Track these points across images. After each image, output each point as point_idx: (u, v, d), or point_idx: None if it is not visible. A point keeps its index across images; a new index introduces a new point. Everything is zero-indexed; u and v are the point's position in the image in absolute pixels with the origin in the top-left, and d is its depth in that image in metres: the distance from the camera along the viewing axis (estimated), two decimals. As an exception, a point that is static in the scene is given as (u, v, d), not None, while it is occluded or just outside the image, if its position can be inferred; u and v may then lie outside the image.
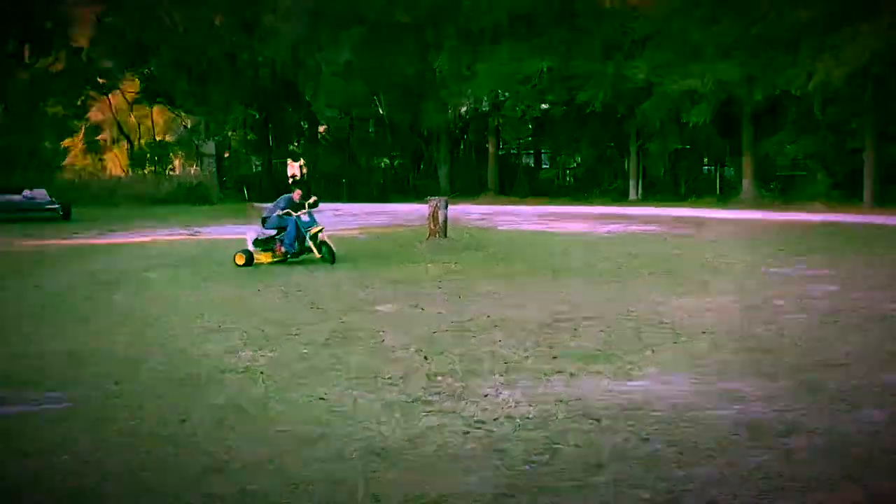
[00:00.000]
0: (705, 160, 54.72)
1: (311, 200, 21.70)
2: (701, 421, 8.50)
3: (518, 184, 57.72)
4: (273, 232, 21.82)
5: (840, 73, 36.66)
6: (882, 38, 35.86)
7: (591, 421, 8.53)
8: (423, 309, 15.08)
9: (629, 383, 10.00)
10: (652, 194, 51.54)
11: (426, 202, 28.04)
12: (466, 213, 36.78)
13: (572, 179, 58.76)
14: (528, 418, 8.65)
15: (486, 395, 9.50)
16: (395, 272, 20.02)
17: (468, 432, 8.23)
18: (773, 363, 10.81)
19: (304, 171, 63.99)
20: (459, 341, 12.31)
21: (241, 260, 21.00)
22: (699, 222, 34.74)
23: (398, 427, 8.39)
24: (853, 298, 15.22)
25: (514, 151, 63.71)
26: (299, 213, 20.93)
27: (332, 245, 21.12)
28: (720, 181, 52.53)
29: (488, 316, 14.20)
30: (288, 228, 20.90)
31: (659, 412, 8.83)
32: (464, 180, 57.86)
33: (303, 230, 20.84)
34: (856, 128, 42.91)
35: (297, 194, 21.89)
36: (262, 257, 21.56)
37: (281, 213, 21.20)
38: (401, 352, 11.69)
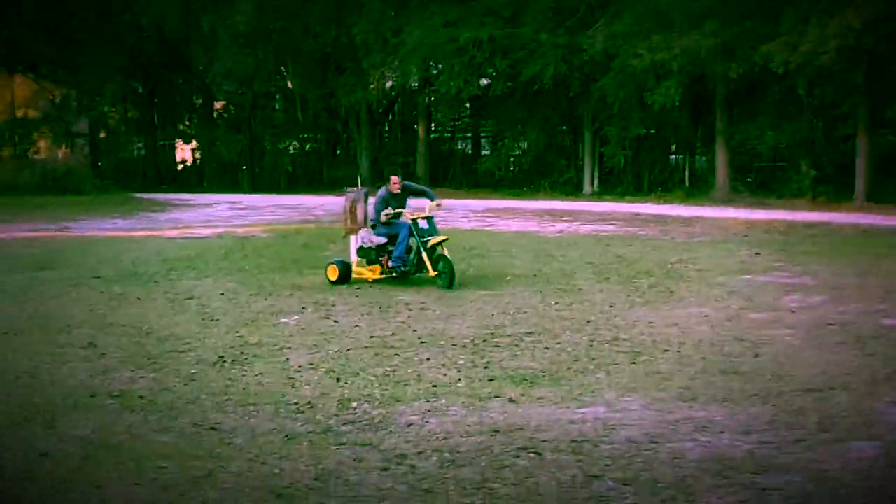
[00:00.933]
0: (673, 148, 54.93)
1: (435, 203, 18.99)
2: (661, 455, 8.59)
3: (453, 174, 57.80)
4: (383, 240, 19.34)
5: (829, 46, 36.51)
6: (878, 3, 36.01)
7: (532, 455, 8.59)
8: (336, 321, 15.13)
9: (579, 410, 10.05)
10: (610, 187, 51.72)
11: (342, 194, 27.85)
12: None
13: (517, 169, 58.72)
14: (458, 452, 8.70)
15: (409, 425, 9.54)
16: (305, 278, 20.08)
17: (387, 469, 8.27)
18: (745, 387, 10.94)
19: (198, 155, 63.36)
20: (379, 360, 12.36)
21: (333, 274, 18.78)
22: (665, 220, 35.02)
23: (304, 463, 8.41)
24: (840, 311, 15.44)
25: (449, 136, 63.60)
26: (416, 215, 18.37)
27: (452, 262, 18.12)
28: (690, 173, 52.73)
29: (414, 330, 14.29)
30: (399, 236, 18.39)
31: (612, 445, 8.90)
32: (389, 169, 57.45)
33: (418, 240, 18.19)
34: (847, 111, 43.02)
35: (394, 182, 19.14)
36: (367, 272, 19.28)
37: (389, 215, 18.67)
38: (308, 372, 11.69)
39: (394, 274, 18.57)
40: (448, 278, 17.55)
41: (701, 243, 27.35)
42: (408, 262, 18.27)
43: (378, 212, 18.93)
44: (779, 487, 7.67)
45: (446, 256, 17.86)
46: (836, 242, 26.00)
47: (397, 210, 18.35)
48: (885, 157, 43.98)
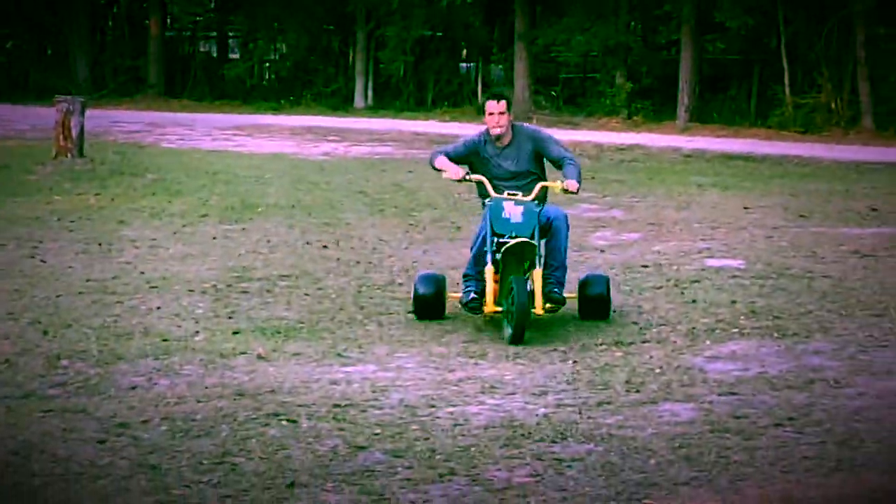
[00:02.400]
0: (463, 54, 55.32)
1: (561, 185, 11.45)
2: (440, 422, 8.75)
3: (193, 82, 57.28)
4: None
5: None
6: None
7: (285, 422, 8.66)
8: (44, 261, 15.05)
9: (343, 369, 10.19)
10: (387, 101, 51.86)
11: (53, 105, 27.58)
12: (116, 121, 36.32)
13: (273, 77, 58.55)
14: (194, 420, 8.71)
15: (133, 388, 9.53)
16: (5, 207, 19.67)
17: (105, 441, 8.22)
18: (543, 340, 11.18)
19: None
20: (97, 309, 12.31)
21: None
22: (451, 141, 35.32)
23: (1, 435, 8.33)
24: (656, 251, 15.92)
25: (189, 34, 62.89)
26: (506, 196, 11.38)
27: (530, 294, 11.11)
28: (483, 84, 53.16)
29: (142, 272, 14.30)
30: (477, 240, 11.62)
31: (383, 410, 9.03)
32: (114, 75, 57.01)
33: (489, 239, 11.28)
34: (669, 11, 43.72)
35: (493, 114, 11.62)
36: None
37: (461, 177, 11.78)
38: (7, 323, 11.59)
39: (461, 305, 11.61)
40: (514, 323, 10.58)
41: None
42: (472, 282, 11.32)
43: (450, 156, 11.85)
44: (578, 458, 7.87)
45: (524, 282, 10.89)
46: (653, 170, 26.67)
47: (473, 176, 11.47)
48: (713, 69, 44.84)
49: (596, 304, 11.32)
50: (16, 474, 7.56)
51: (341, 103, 52.10)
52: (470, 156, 11.44)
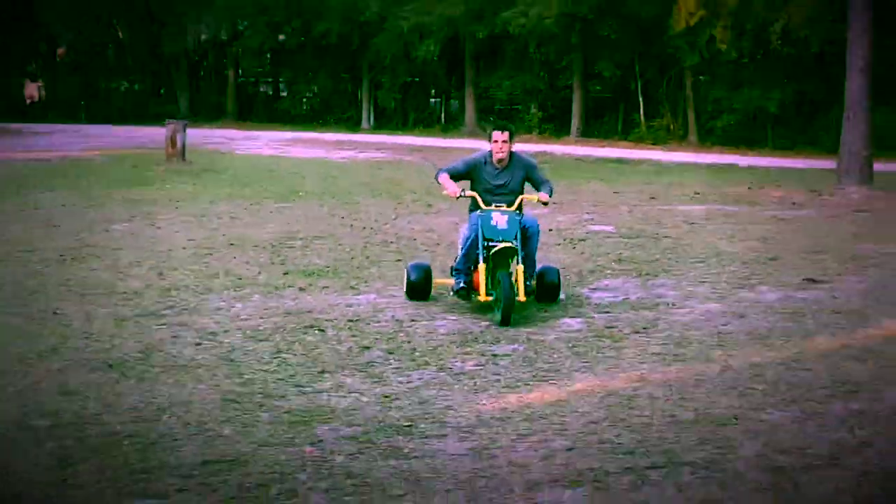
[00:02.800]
0: (432, 93, 55.47)
1: (537, 198, 9.86)
2: (418, 331, 8.87)
3: (257, 112, 57.23)
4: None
5: (552, 12, 37.60)
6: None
7: (317, 331, 8.77)
8: (160, 228, 14.96)
9: (355, 297, 10.28)
10: (384, 123, 51.94)
11: (164, 126, 27.49)
12: (206, 137, 36.10)
13: (309, 107, 58.51)
14: (258, 330, 8.86)
15: (219, 309, 9.64)
16: (133, 193, 19.63)
17: (200, 343, 8.35)
18: None
19: (43, 93, 61.21)
20: (196, 258, 12.37)
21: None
22: (425, 150, 35.38)
23: (132, 340, 8.43)
24: (558, 220, 15.93)
25: (254, 80, 62.78)
26: (493, 208, 9.59)
27: (521, 280, 9.46)
28: (445, 113, 53.43)
29: (224, 235, 14.28)
30: (465, 235, 9.80)
31: (380, 323, 9.15)
32: (204, 106, 56.79)
33: (481, 243, 9.48)
34: (565, 66, 44.24)
35: (497, 142, 9.72)
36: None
37: (456, 194, 9.76)
38: (136, 269, 11.65)
39: (452, 292, 9.73)
40: (503, 308, 8.95)
41: None
42: (461, 274, 9.57)
43: (451, 174, 9.88)
44: (508, 354, 8.04)
45: (508, 276, 9.24)
46: (556, 168, 26.53)
47: (468, 193, 9.60)
48: (594, 103, 45.38)
49: (549, 289, 9.63)
50: (140, 367, 7.69)
51: (353, 125, 51.86)
52: (470, 172, 9.66)
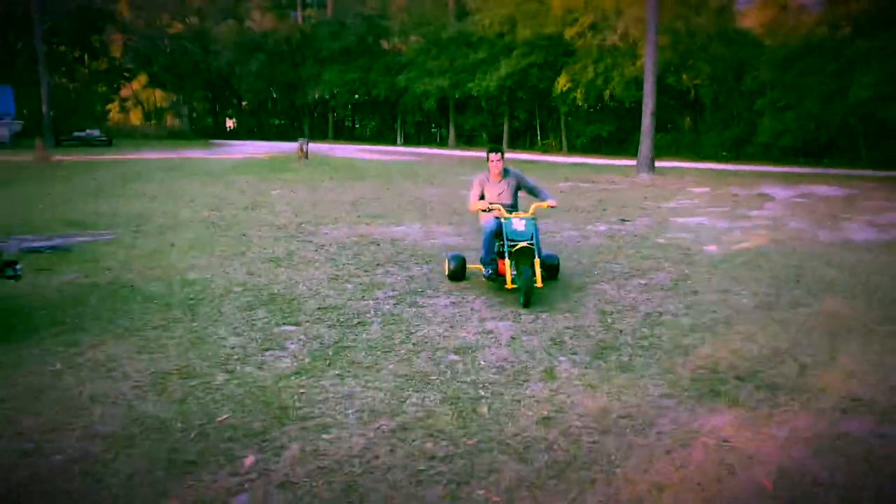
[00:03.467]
0: (433, 126, 54.74)
1: (547, 203, 7.03)
2: (426, 244, 9.05)
3: (343, 134, 57.89)
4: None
5: (493, 84, 38.50)
6: (512, 68, 37.46)
7: (375, 245, 8.96)
8: (294, 193, 14.97)
9: (396, 228, 10.37)
10: (408, 142, 51.81)
11: (297, 141, 28.34)
12: (318, 148, 36.10)
13: (370, 133, 58.86)
14: (345, 242, 9.07)
15: (325, 233, 9.78)
16: (281, 175, 19.52)
17: (317, 250, 8.58)
18: (460, 220, 11.34)
19: (235, 124, 62.69)
20: (312, 208, 12.41)
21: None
22: (431, 156, 35.15)
23: (279, 248, 8.62)
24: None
25: (342, 118, 61.15)
26: (512, 214, 7.00)
27: (538, 271, 6.49)
28: (440, 137, 53.30)
29: (329, 196, 14.25)
30: (483, 235, 7.12)
31: (406, 241, 9.28)
32: (316, 131, 56.21)
33: (506, 243, 6.86)
34: (500, 111, 44.28)
35: (493, 161, 7.22)
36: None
37: (481, 208, 7.15)
38: (283, 213, 11.74)
39: (484, 277, 7.26)
40: (523, 293, 6.39)
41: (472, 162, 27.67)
42: (488, 267, 7.17)
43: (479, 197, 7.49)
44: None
45: (530, 268, 6.52)
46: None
47: (492, 205, 7.25)
48: (515, 131, 45.33)
49: (551, 270, 7.12)
50: (287, 261, 7.67)
51: (392, 142, 51.57)
52: (482, 189, 7.12)
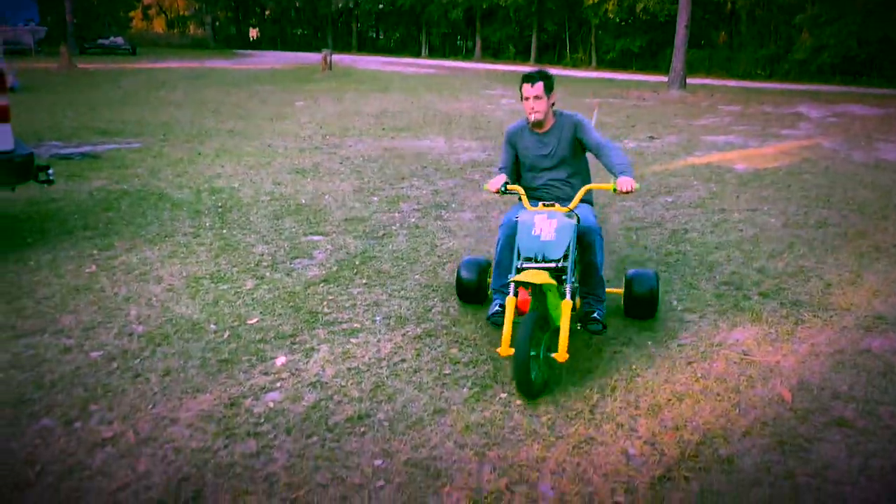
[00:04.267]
0: (458, 37, 54.11)
1: (613, 184, 3.12)
2: (450, 159, 9.05)
3: (367, 45, 56.96)
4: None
5: None
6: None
7: (399, 158, 8.99)
8: (318, 104, 14.99)
9: (420, 142, 10.39)
10: (433, 54, 51.25)
11: (321, 52, 27.96)
12: (341, 59, 35.54)
13: (394, 44, 57.82)
14: (370, 154, 9.12)
15: (350, 146, 9.80)
16: (305, 86, 19.57)
17: (342, 162, 8.64)
18: (485, 134, 11.27)
19: (258, 34, 62.33)
20: (338, 120, 12.42)
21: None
22: (454, 69, 34.67)
23: (305, 159, 8.71)
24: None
25: (365, 28, 60.79)
26: (538, 209, 3.07)
27: (565, 329, 2.87)
28: (465, 49, 52.25)
29: (353, 108, 14.22)
30: (497, 247, 3.34)
31: (430, 154, 9.32)
32: (340, 43, 55.92)
33: (514, 264, 2.99)
34: (528, 23, 42.96)
35: (529, 102, 3.32)
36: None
37: (498, 188, 3.28)
38: (307, 125, 11.77)
39: (488, 319, 3.42)
40: (517, 375, 2.75)
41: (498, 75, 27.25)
42: (496, 293, 3.40)
43: (503, 168, 3.62)
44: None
45: (536, 320, 2.81)
46: None
47: (507, 185, 3.25)
48: (543, 44, 44.06)
49: (642, 302, 3.73)
50: (313, 173, 7.70)
51: (416, 54, 50.96)
52: (514, 151, 3.68)
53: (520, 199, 3.59)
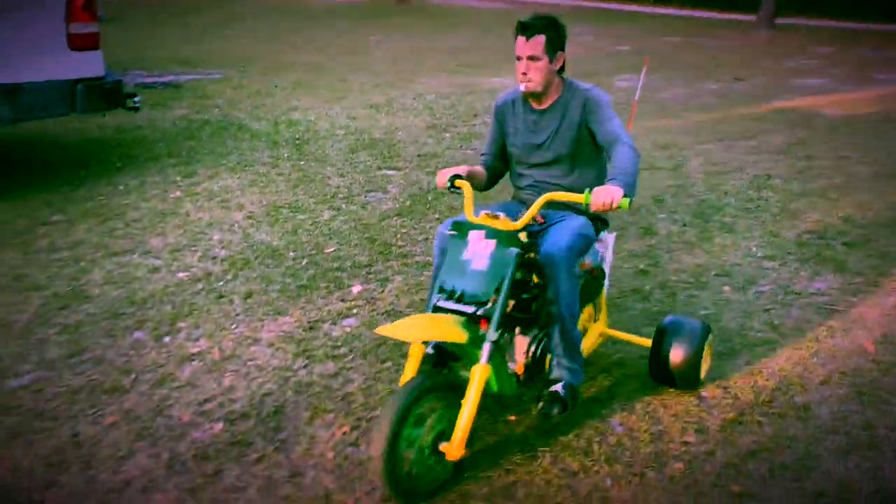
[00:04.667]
0: None
1: (609, 201, 1.86)
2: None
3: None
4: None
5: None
6: None
7: (472, 94, 8.90)
8: (392, 39, 14.76)
9: (493, 78, 10.25)
10: None
11: None
12: None
13: None
14: (443, 91, 9.07)
15: (423, 82, 9.75)
16: (379, 20, 19.15)
17: (415, 98, 8.60)
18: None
19: None
20: (412, 56, 12.24)
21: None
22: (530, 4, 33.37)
23: (378, 94, 8.68)
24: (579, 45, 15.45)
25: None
26: (479, 219, 2.05)
27: (468, 410, 1.87)
28: None
29: (426, 44, 14.01)
30: (434, 258, 2.21)
31: (453, 102, 9.34)
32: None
33: (431, 297, 2.00)
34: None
35: (522, 62, 2.13)
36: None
37: (444, 182, 2.20)
38: (380, 60, 11.67)
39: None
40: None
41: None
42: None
43: (486, 155, 2.47)
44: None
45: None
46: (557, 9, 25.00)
47: (456, 179, 2.16)
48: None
49: (676, 371, 2.44)
50: (385, 109, 7.71)
51: None
52: (502, 132, 2.43)
53: (453, 188, 2.32)
